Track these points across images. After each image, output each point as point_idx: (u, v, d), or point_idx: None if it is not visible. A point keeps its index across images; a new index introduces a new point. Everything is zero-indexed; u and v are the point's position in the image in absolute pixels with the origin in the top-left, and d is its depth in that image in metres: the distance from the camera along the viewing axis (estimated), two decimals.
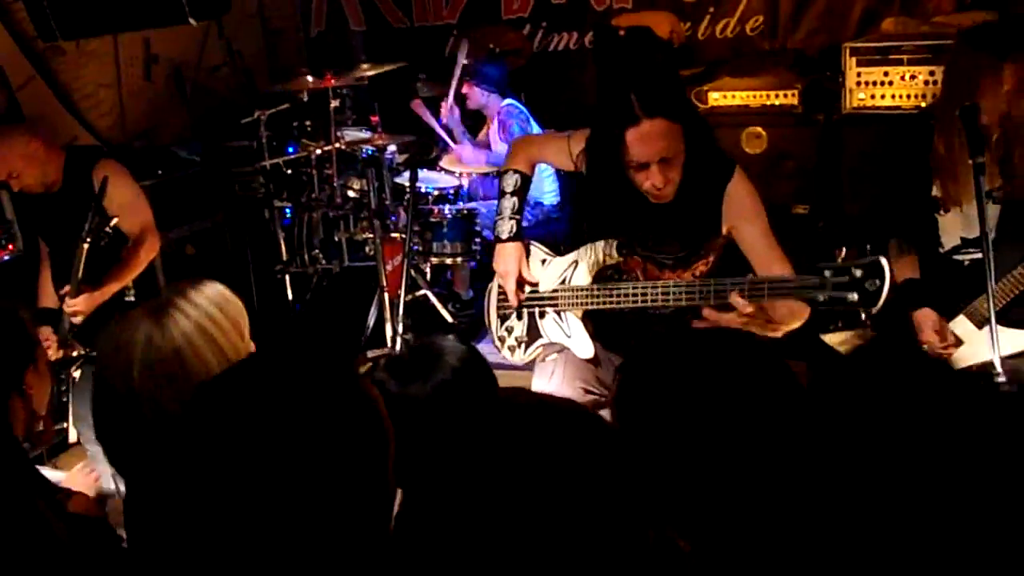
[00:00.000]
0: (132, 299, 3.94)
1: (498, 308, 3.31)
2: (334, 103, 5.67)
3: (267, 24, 7.40)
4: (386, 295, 4.99)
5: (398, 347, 3.88)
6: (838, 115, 5.15)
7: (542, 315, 3.12)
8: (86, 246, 3.59)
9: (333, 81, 5.64)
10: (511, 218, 3.12)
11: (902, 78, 4.90)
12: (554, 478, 1.03)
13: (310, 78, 5.73)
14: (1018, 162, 2.96)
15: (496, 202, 5.06)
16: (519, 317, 3.21)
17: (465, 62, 5.93)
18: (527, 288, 3.16)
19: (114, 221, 3.62)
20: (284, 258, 5.90)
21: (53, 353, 3.81)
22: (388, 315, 4.93)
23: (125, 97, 6.00)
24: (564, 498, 1.03)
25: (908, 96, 4.89)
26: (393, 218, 5.39)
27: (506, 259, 3.12)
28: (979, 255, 3.11)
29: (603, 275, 2.96)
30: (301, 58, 7.31)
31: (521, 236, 3.15)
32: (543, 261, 3.15)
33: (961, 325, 3.11)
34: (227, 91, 6.70)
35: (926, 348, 3.09)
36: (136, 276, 3.95)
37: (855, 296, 2.31)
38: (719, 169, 2.88)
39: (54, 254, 4.15)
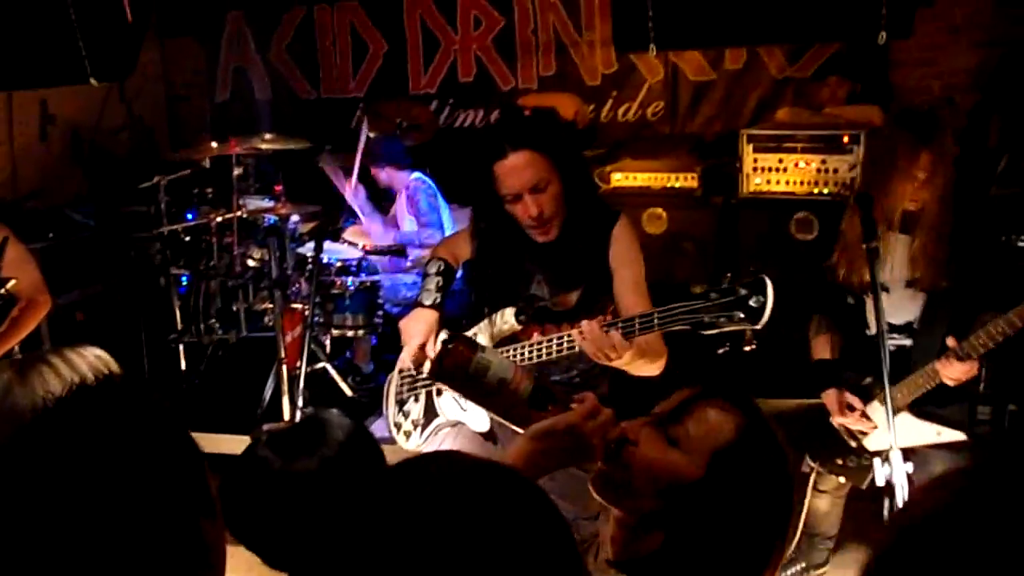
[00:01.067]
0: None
1: (396, 393, 3.26)
2: (237, 171, 5.60)
3: (170, 89, 7.32)
4: (284, 367, 4.88)
5: (297, 420, 3.78)
6: (736, 198, 5.31)
7: (439, 393, 3.08)
8: None
9: (237, 148, 5.58)
10: (437, 291, 3.10)
11: (796, 165, 5.09)
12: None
13: (214, 144, 5.66)
14: (934, 252, 3.08)
15: (399, 276, 5.07)
16: (416, 399, 3.17)
17: (370, 135, 5.94)
18: (427, 366, 3.07)
19: (11, 283, 3.48)
20: (179, 327, 5.74)
21: None
22: (285, 387, 4.82)
23: (18, 156, 5.85)
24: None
25: (801, 183, 5.08)
26: (294, 289, 5.30)
27: (418, 322, 3.04)
28: (903, 341, 3.23)
29: (502, 345, 2.94)
30: (204, 125, 7.22)
31: (442, 310, 3.10)
32: (474, 335, 3.10)
33: (877, 411, 3.18)
34: (126, 154, 6.57)
35: (839, 429, 3.18)
36: (22, 338, 3.78)
37: (740, 314, 2.31)
38: (604, 215, 2.97)
39: None
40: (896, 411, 3.05)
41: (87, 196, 6.07)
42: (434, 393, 3.11)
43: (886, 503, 2.82)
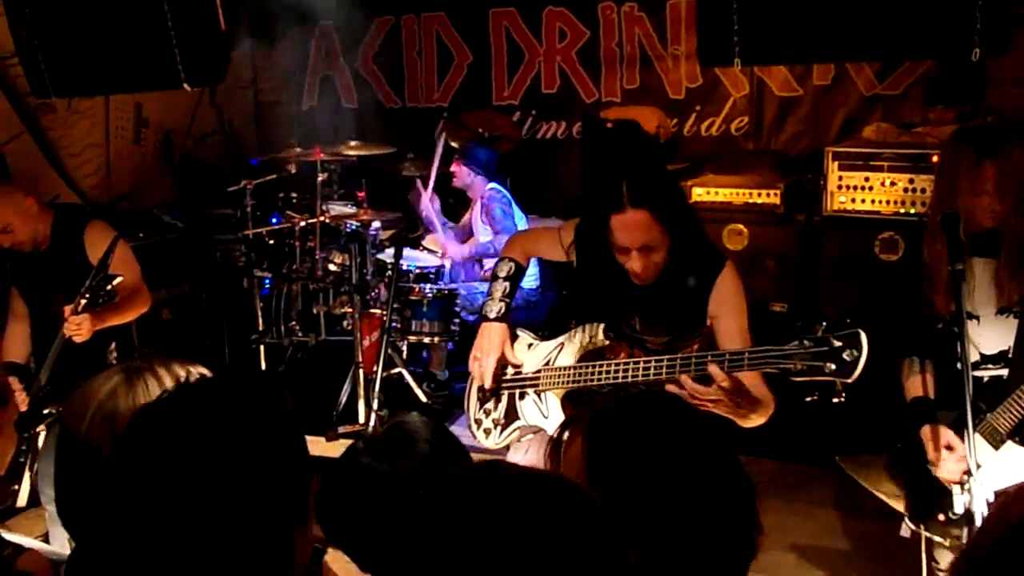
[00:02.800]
0: (113, 361, 3.97)
1: (479, 390, 3.29)
2: (321, 176, 5.71)
3: (259, 96, 7.49)
4: (361, 371, 4.94)
5: (371, 425, 3.84)
6: (819, 216, 5.23)
7: (522, 396, 3.11)
8: (84, 302, 3.58)
9: (322, 155, 5.68)
10: (501, 300, 3.12)
11: (882, 184, 4.99)
12: (543, 550, 1.01)
13: (298, 149, 5.77)
14: (1020, 272, 2.89)
15: (476, 284, 5.11)
16: (498, 400, 3.19)
17: (452, 145, 5.99)
18: (510, 370, 3.15)
19: (118, 280, 3.61)
20: (260, 328, 5.86)
21: (22, 404, 3.87)
22: (362, 391, 4.88)
23: (112, 158, 6.03)
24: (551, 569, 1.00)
25: (888, 202, 4.98)
26: (373, 294, 5.37)
27: (490, 338, 3.10)
28: (998, 372, 3.07)
29: (588, 358, 2.95)
30: (291, 131, 7.37)
31: (508, 319, 3.14)
32: (529, 345, 3.15)
33: (980, 444, 3.02)
34: (215, 159, 6.74)
35: (936, 469, 2.95)
36: (113, 323, 3.92)
37: (832, 366, 2.30)
38: (710, 261, 2.91)
39: (35, 311, 4.19)
40: (1000, 441, 2.93)
41: (176, 199, 6.23)
42: (517, 396, 3.14)
43: (964, 532, 2.73)
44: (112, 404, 1.80)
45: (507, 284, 3.14)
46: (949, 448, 2.89)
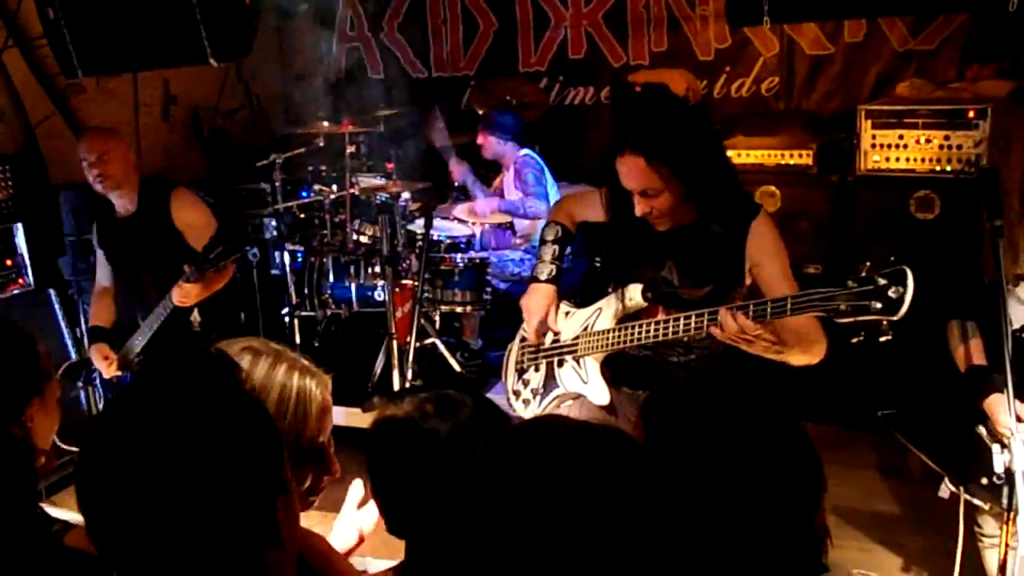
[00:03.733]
0: (197, 328, 4.20)
1: (517, 362, 3.30)
2: (350, 149, 5.70)
3: (286, 69, 7.48)
4: (395, 342, 4.96)
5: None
6: (852, 176, 5.16)
7: (560, 364, 3.12)
8: (196, 271, 3.83)
9: (350, 126, 5.68)
10: (552, 263, 3.13)
11: (916, 141, 4.91)
12: (606, 502, 1.01)
13: (326, 123, 5.77)
14: None
15: (507, 252, 5.11)
16: (536, 368, 3.20)
17: (478, 111, 5.97)
18: (549, 337, 3.15)
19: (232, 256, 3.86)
20: (293, 301, 5.89)
21: (112, 371, 4.21)
22: (396, 362, 4.90)
23: (142, 136, 6.05)
24: (615, 523, 1.00)
25: (923, 160, 4.90)
26: (404, 265, 5.38)
27: (538, 298, 3.11)
28: None
29: (627, 321, 2.95)
30: (319, 104, 7.36)
31: (558, 283, 3.15)
32: (567, 313, 3.16)
33: None
34: (243, 134, 6.75)
35: (984, 442, 2.90)
36: (219, 287, 4.18)
37: (879, 304, 2.28)
38: (743, 210, 2.88)
39: (123, 278, 4.39)
40: None
41: (206, 175, 6.26)
42: (555, 364, 3.14)
43: (1005, 492, 2.69)
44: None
45: (556, 247, 3.14)
46: (1020, 419, 2.83)
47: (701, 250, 2.87)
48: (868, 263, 2.35)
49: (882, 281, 2.28)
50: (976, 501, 3.00)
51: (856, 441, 4.80)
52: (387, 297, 5.09)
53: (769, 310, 2.48)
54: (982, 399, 2.95)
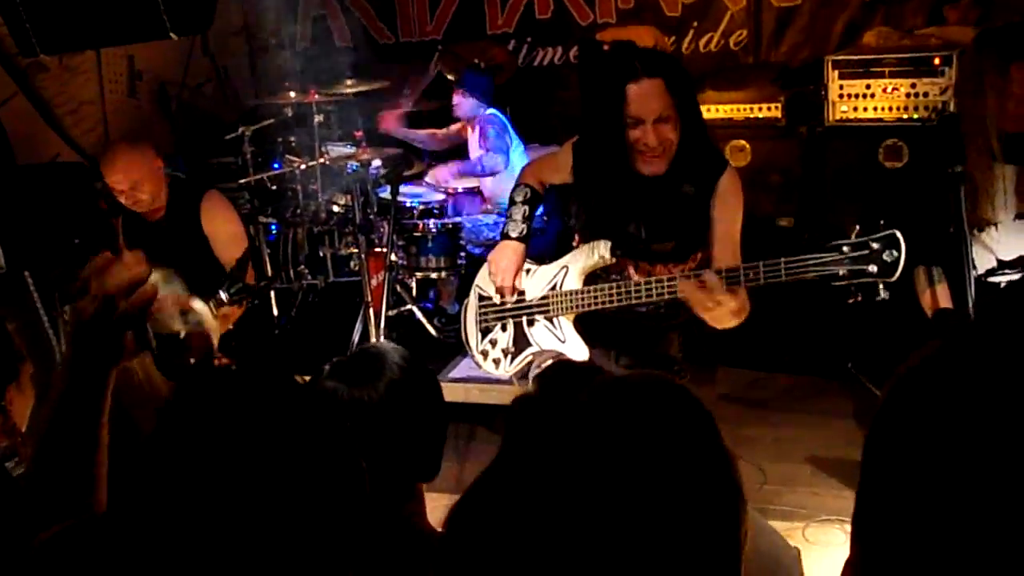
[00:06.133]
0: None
1: (478, 322, 3.31)
2: (318, 118, 5.67)
3: (252, 40, 7.41)
4: (371, 310, 4.96)
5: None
6: (821, 128, 5.18)
7: (531, 323, 3.14)
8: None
9: (317, 96, 5.64)
10: (523, 221, 3.16)
11: (884, 90, 4.92)
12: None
13: (293, 93, 5.73)
14: None
15: (480, 217, 5.11)
16: (504, 328, 3.21)
17: (448, 78, 5.94)
18: (513, 297, 3.17)
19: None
20: (269, 274, 5.87)
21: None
22: (373, 330, 4.90)
23: (109, 113, 5.99)
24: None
25: (890, 108, 4.92)
26: (378, 233, 5.37)
27: (508, 255, 3.13)
28: (1016, 276, 3.06)
29: (594, 278, 3.00)
30: (286, 74, 7.30)
31: (527, 241, 3.16)
32: (528, 271, 3.17)
33: None
34: (211, 107, 6.69)
35: None
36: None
37: (874, 268, 2.39)
38: (713, 163, 2.94)
39: None
40: None
41: (175, 149, 6.21)
42: (524, 323, 3.15)
43: None
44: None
45: (525, 207, 3.16)
46: None
47: (671, 205, 2.91)
48: (857, 226, 2.44)
49: (876, 245, 2.40)
50: None
51: (831, 390, 4.85)
52: (361, 266, 5.09)
53: (763, 274, 2.55)
54: None
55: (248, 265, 3.62)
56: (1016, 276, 3.03)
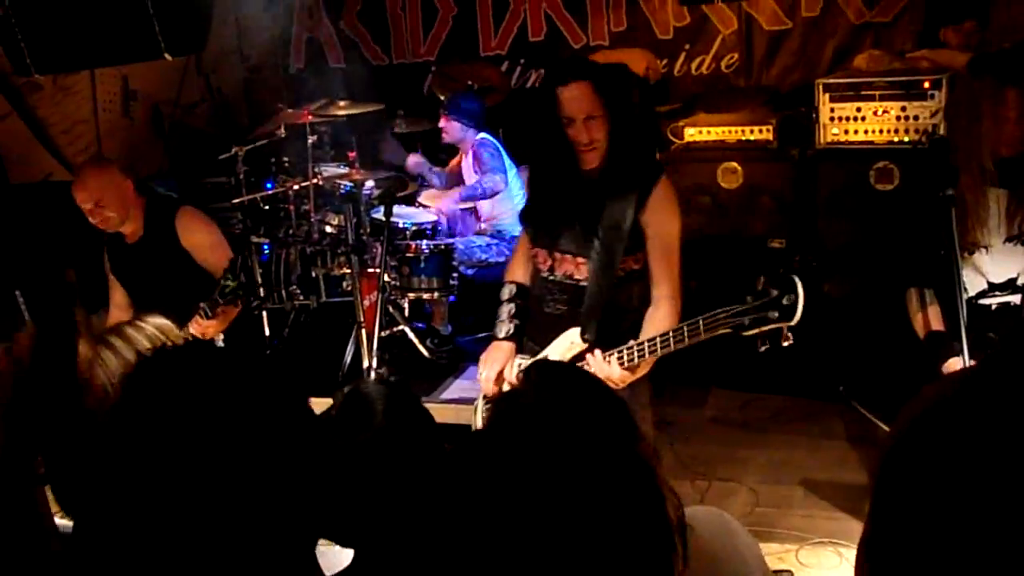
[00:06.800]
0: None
1: (484, 420, 3.42)
2: (312, 139, 5.68)
3: (246, 61, 7.43)
4: (364, 331, 4.96)
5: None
6: (812, 150, 5.20)
7: None
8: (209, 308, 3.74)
9: (311, 117, 5.66)
10: (509, 320, 3.32)
11: (874, 113, 4.95)
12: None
13: (286, 113, 5.75)
14: None
15: (473, 238, 5.13)
16: None
17: (440, 98, 5.96)
18: (505, 387, 3.28)
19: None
20: (261, 294, 5.86)
21: None
22: (366, 350, 4.90)
23: (102, 133, 6.00)
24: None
25: (880, 131, 4.95)
26: (371, 253, 5.37)
27: (493, 355, 3.30)
28: (1007, 299, 3.09)
29: (574, 360, 3.10)
30: (280, 95, 7.32)
31: (517, 340, 3.31)
32: (519, 365, 3.31)
33: None
34: (205, 127, 6.71)
35: None
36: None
37: (775, 313, 2.56)
38: (648, 169, 3.18)
39: (138, 304, 4.22)
40: None
41: (169, 169, 6.22)
42: None
43: None
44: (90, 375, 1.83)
45: (511, 305, 3.34)
46: None
47: (605, 206, 3.08)
48: (763, 277, 2.63)
49: (775, 292, 2.59)
50: None
51: (824, 412, 4.85)
52: (354, 286, 5.09)
53: (686, 336, 2.76)
54: (941, 363, 3.04)
55: (238, 267, 3.71)
56: (1006, 298, 3.05)
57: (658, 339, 2.82)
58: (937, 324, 3.16)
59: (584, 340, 3.06)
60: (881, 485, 0.93)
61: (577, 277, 3.14)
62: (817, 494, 4.19)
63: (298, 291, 5.87)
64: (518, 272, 3.41)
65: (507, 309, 3.33)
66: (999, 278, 3.08)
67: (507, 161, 5.73)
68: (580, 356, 3.07)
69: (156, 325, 2.01)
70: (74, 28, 3.83)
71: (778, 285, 2.57)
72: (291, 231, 5.78)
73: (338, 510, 1.74)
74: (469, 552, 0.98)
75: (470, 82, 6.30)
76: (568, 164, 3.13)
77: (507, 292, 3.37)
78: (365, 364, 4.84)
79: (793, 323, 2.56)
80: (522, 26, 6.83)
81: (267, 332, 5.82)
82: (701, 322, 2.69)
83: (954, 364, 3.00)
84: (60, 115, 5.64)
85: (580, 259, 3.12)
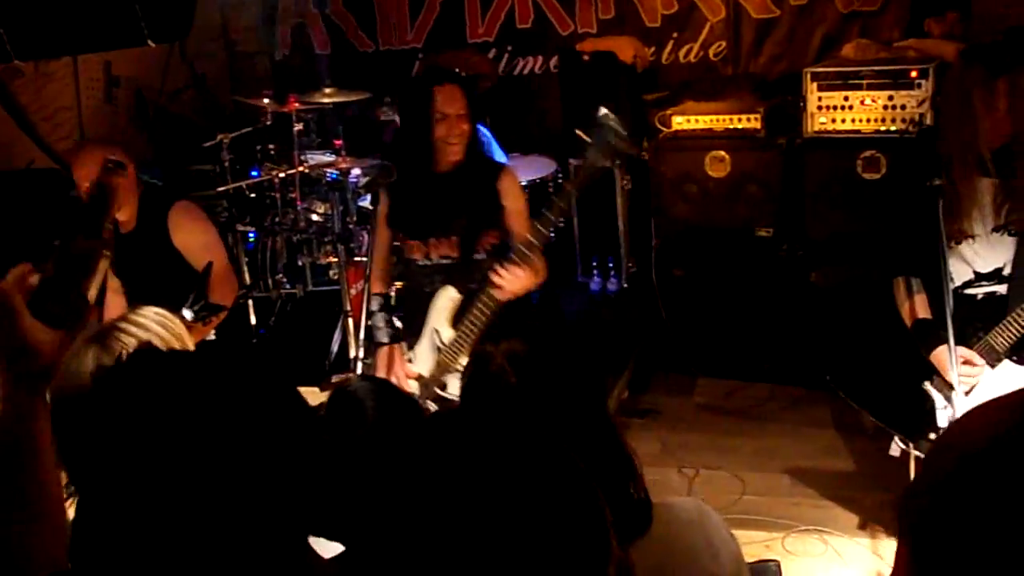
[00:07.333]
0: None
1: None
2: (298, 127, 5.65)
3: (231, 47, 7.37)
4: (350, 320, 4.94)
5: (359, 371, 3.87)
6: (800, 139, 5.20)
7: (443, 387, 3.50)
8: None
9: (297, 105, 5.62)
10: (387, 326, 3.68)
11: (862, 102, 4.95)
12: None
13: (267, 100, 5.70)
14: None
15: None
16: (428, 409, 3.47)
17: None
18: (414, 384, 3.56)
19: (221, 313, 3.57)
20: (247, 283, 5.84)
21: None
22: (352, 339, 4.88)
23: (85, 120, 5.94)
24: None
25: (868, 120, 4.95)
26: (358, 242, 5.35)
27: (386, 361, 3.63)
28: (993, 288, 3.10)
29: (460, 314, 3.44)
30: (265, 81, 7.27)
31: (399, 339, 3.68)
32: (409, 360, 3.63)
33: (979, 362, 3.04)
34: (190, 114, 6.66)
35: (931, 397, 3.03)
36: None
37: (611, 136, 2.93)
38: (494, 164, 3.82)
39: (130, 294, 4.09)
40: (997, 360, 2.96)
41: (153, 156, 6.17)
42: (438, 390, 3.52)
43: None
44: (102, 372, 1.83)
45: (383, 312, 3.68)
46: (969, 363, 2.94)
47: (466, 194, 3.54)
48: (577, 130, 3.05)
49: (591, 133, 2.96)
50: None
51: (810, 400, 4.87)
52: (341, 275, 5.06)
53: (557, 202, 3.14)
54: (928, 351, 3.05)
55: (208, 281, 3.43)
56: (994, 287, 3.05)
57: (538, 222, 3.19)
58: (924, 313, 3.17)
59: (459, 292, 3.47)
60: (921, 540, 0.87)
61: (452, 255, 3.58)
62: (803, 482, 4.21)
63: (284, 280, 5.85)
64: (379, 285, 3.77)
65: (382, 316, 3.67)
66: (985, 268, 3.09)
67: (497, 151, 5.68)
68: (462, 308, 3.43)
69: (155, 311, 2.03)
70: (55, 13, 3.79)
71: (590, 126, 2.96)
72: (277, 219, 5.75)
73: (332, 505, 1.74)
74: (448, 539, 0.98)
75: (458, 69, 6.25)
76: (429, 162, 3.57)
77: (376, 304, 3.69)
78: (352, 354, 4.82)
79: (623, 132, 2.95)
80: (510, 13, 6.79)
81: (253, 321, 5.80)
82: (567, 183, 3.30)
83: (941, 353, 3.01)
84: (42, 102, 5.58)
85: (453, 238, 3.56)
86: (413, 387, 3.57)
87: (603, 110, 2.97)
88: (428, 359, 3.55)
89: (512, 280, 3.24)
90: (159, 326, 1.99)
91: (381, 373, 3.59)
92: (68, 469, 1.87)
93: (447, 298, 3.48)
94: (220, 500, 1.16)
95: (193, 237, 3.96)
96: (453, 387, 3.48)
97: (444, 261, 3.60)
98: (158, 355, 1.31)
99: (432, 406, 3.51)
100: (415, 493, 1.02)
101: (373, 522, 1.06)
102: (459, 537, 0.98)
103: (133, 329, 1.94)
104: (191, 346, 2.02)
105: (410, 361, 3.64)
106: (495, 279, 3.24)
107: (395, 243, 3.83)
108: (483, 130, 5.65)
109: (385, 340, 3.65)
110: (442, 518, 1.00)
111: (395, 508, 1.03)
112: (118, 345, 1.88)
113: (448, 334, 3.47)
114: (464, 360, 3.35)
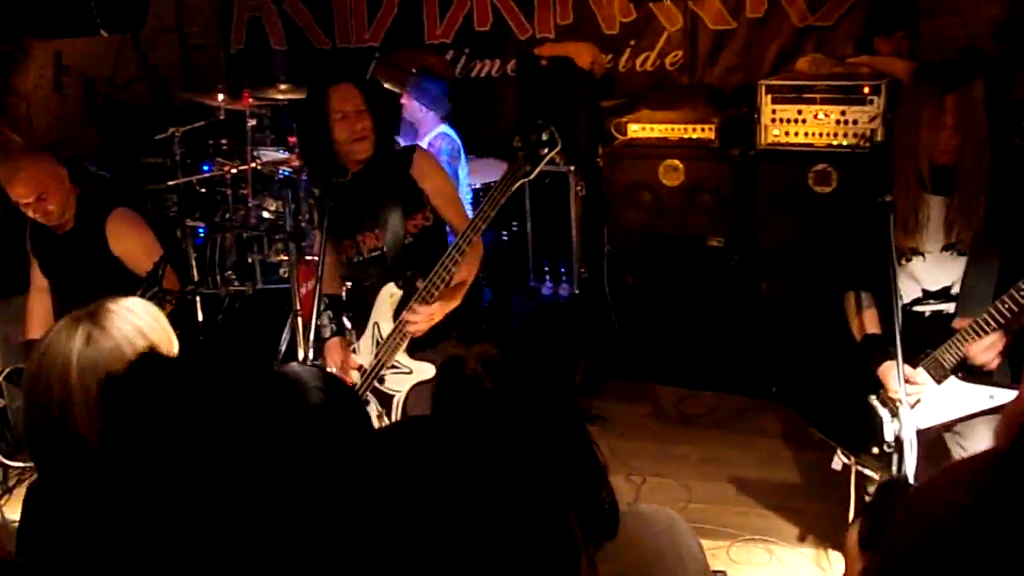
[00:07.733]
0: None
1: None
2: (251, 123, 5.58)
3: (185, 39, 7.27)
4: (300, 319, 4.89)
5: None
6: (753, 151, 5.25)
7: (381, 380, 3.59)
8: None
9: (251, 100, 5.55)
10: (331, 323, 3.76)
11: (815, 116, 5.02)
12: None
13: (221, 97, 5.63)
14: (976, 207, 2.97)
15: None
16: (367, 401, 3.57)
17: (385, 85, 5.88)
18: (356, 375, 3.64)
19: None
20: (195, 279, 5.76)
21: None
22: (301, 338, 4.83)
23: (33, 108, 5.82)
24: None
25: (820, 134, 5.01)
26: (309, 240, 5.29)
27: (334, 353, 3.73)
28: (940, 307, 3.14)
29: (398, 312, 3.51)
30: (220, 75, 7.18)
31: (343, 333, 3.80)
32: (353, 350, 3.71)
33: (923, 379, 3.07)
34: (141, 106, 6.55)
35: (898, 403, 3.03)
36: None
37: (545, 149, 3.00)
38: (403, 153, 3.78)
39: (60, 293, 4.10)
40: (943, 376, 3.00)
41: (103, 148, 6.06)
42: (377, 384, 3.60)
43: (895, 459, 2.79)
44: (92, 351, 1.86)
45: (328, 313, 3.76)
46: (909, 382, 2.97)
47: (376, 184, 3.60)
48: (517, 135, 3.06)
49: (534, 137, 3.01)
50: (867, 471, 3.11)
51: (758, 409, 4.91)
52: (291, 273, 5.01)
53: (480, 217, 3.17)
54: (876, 366, 3.09)
55: (160, 273, 3.39)
56: (941, 306, 3.10)
57: (453, 249, 3.26)
58: (873, 327, 3.21)
59: (399, 287, 3.52)
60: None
61: (380, 245, 3.63)
62: (749, 491, 4.24)
63: (233, 277, 5.78)
64: (329, 286, 3.81)
65: (327, 315, 3.76)
66: (934, 286, 3.13)
67: (462, 160, 5.64)
68: (403, 302, 3.50)
69: (143, 302, 2.07)
70: (6, 0, 3.71)
71: (535, 131, 3.00)
72: (228, 215, 5.67)
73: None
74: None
75: (414, 69, 6.23)
76: (335, 164, 3.61)
77: (322, 304, 3.75)
78: (300, 354, 4.78)
79: (558, 147, 3.03)
80: (468, 15, 6.78)
81: (200, 318, 5.72)
82: (494, 193, 3.09)
83: (887, 368, 3.05)
84: None
85: (378, 231, 3.61)
86: (355, 377, 3.65)
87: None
88: (369, 352, 3.64)
89: (424, 319, 3.39)
90: (149, 315, 2.04)
91: (332, 364, 3.70)
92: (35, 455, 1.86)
93: (388, 293, 3.55)
94: (225, 500, 1.15)
95: (131, 244, 4.01)
96: (390, 381, 3.59)
97: (375, 254, 3.67)
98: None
99: (371, 397, 3.62)
100: (377, 501, 1.00)
101: (328, 532, 1.04)
102: (420, 549, 0.97)
103: (125, 312, 1.96)
104: (175, 340, 2.04)
105: (354, 351, 3.71)
106: (408, 322, 3.40)
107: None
108: (455, 139, 5.64)
109: (327, 335, 3.76)
110: (403, 530, 0.98)
111: (353, 520, 1.01)
112: (110, 323, 1.91)
113: (387, 328, 3.55)
114: (400, 355, 3.53)
